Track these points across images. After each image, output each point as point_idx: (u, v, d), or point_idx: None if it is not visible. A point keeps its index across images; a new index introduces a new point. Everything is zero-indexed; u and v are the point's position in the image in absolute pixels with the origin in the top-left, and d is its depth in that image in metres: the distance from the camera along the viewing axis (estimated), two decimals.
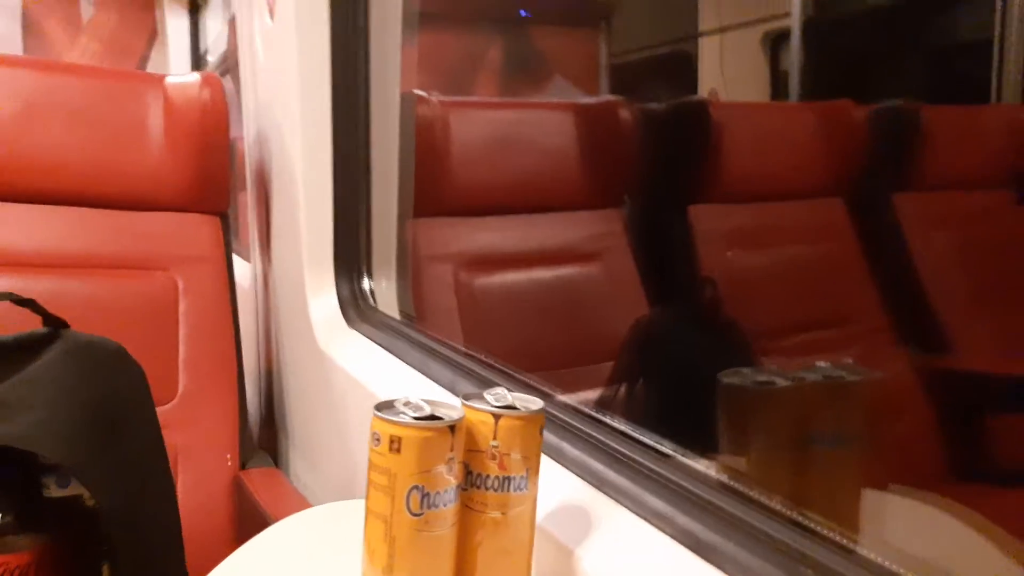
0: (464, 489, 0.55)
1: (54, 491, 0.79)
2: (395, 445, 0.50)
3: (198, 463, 1.12)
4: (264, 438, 1.39)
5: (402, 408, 0.53)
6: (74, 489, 0.80)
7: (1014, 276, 1.24)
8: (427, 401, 0.54)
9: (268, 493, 1.07)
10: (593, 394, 1.23)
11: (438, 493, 0.51)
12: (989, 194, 1.44)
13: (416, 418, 0.51)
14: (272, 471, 1.19)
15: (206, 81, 1.23)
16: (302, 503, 1.07)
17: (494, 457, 0.54)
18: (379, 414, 0.51)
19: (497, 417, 0.54)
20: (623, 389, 1.20)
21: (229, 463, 1.14)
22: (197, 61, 2.51)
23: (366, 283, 1.18)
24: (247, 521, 1.07)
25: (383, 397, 0.93)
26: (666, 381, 1.19)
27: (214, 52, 2.12)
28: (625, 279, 1.49)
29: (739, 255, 1.51)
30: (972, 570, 0.61)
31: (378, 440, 0.51)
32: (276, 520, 0.82)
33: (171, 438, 1.07)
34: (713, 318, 1.28)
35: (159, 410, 1.06)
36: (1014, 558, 0.64)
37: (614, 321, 1.42)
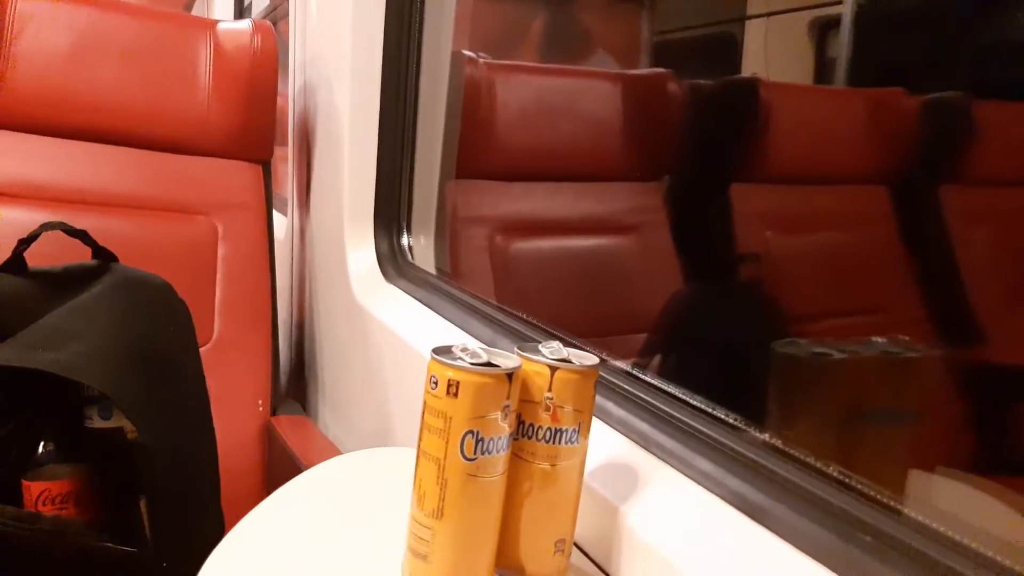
0: (515, 439, 0.55)
1: (96, 422, 0.80)
2: (452, 389, 0.50)
3: (230, 407, 1.13)
4: (293, 387, 1.40)
5: (459, 353, 0.52)
6: (116, 421, 0.80)
7: None
8: (484, 349, 0.54)
9: (299, 440, 1.08)
10: (625, 364, 1.22)
11: (492, 439, 0.51)
12: None
13: (474, 364, 0.51)
14: (302, 419, 1.20)
15: (258, 29, 1.22)
16: (333, 451, 1.08)
17: (547, 408, 0.54)
18: (438, 357, 0.51)
19: (553, 369, 0.54)
20: (656, 361, 1.19)
21: (260, 408, 1.15)
22: (241, 12, 2.50)
23: (405, 239, 1.18)
24: (278, 465, 1.08)
25: (420, 350, 0.94)
26: (700, 355, 1.18)
27: (258, 3, 2.12)
28: (661, 253, 1.48)
29: (778, 237, 1.49)
30: None
31: (435, 383, 0.51)
32: (308, 466, 0.83)
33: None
34: (750, 295, 1.27)
35: None
36: None
37: (648, 294, 1.41)
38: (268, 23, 1.25)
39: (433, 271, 1.19)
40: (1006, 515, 0.59)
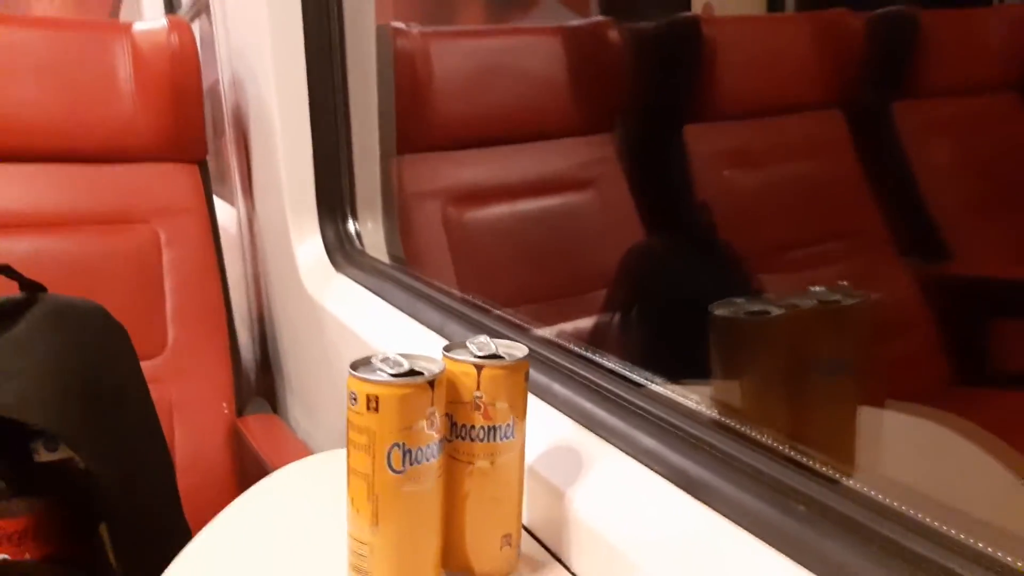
0: (449, 440, 0.54)
1: (44, 455, 0.79)
2: (372, 404, 0.49)
3: (194, 414, 1.12)
4: (261, 384, 1.38)
5: (379, 365, 0.51)
6: (64, 452, 0.79)
7: (1018, 181, 1.21)
8: (405, 355, 0.52)
9: (266, 440, 1.07)
10: (588, 322, 1.21)
11: (420, 449, 0.50)
12: (994, 98, 1.40)
13: (393, 375, 0.50)
14: (270, 417, 1.19)
15: (174, 26, 1.18)
16: (301, 449, 1.07)
17: (478, 407, 0.53)
18: (355, 373, 0.50)
19: (479, 368, 0.53)
20: (617, 318, 1.18)
21: (226, 411, 1.14)
22: (171, 3, 2.43)
23: (351, 225, 1.15)
24: (247, 470, 1.07)
25: (373, 343, 0.92)
26: (661, 308, 1.17)
27: None
28: (620, 205, 1.46)
29: (737, 174, 1.47)
30: (966, 487, 0.60)
31: (355, 399, 0.49)
32: (275, 468, 0.82)
33: (164, 391, 1.07)
34: (710, 241, 1.26)
35: (149, 364, 1.05)
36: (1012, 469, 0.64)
37: (610, 248, 1.39)
38: (184, 19, 1.21)
39: (385, 254, 1.17)
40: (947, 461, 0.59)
